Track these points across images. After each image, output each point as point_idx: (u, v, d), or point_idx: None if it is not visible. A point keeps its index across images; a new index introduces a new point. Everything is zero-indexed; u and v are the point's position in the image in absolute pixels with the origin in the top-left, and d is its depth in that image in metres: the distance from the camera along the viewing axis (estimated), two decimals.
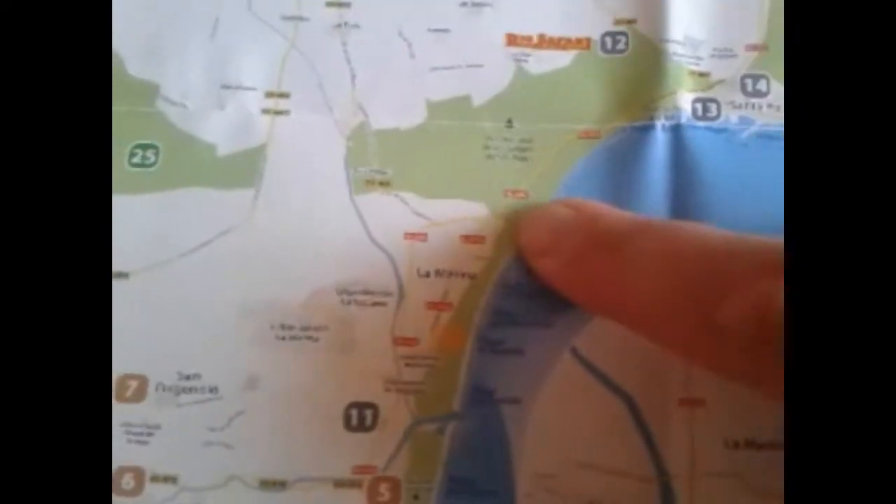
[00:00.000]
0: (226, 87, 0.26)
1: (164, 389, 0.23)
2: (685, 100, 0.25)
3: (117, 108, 0.26)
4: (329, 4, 0.27)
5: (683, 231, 0.20)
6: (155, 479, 0.23)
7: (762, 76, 0.26)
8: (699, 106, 0.25)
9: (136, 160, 0.25)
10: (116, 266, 0.24)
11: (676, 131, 0.25)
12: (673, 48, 0.26)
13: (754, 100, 0.25)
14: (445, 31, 0.26)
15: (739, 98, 0.25)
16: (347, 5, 0.27)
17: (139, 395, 0.23)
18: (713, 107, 0.25)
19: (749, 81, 0.26)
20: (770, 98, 0.25)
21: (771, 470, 0.22)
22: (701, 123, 0.25)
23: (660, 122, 0.25)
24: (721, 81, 0.26)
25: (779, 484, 0.21)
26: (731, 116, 0.25)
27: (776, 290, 0.17)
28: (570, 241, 0.22)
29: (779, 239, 0.18)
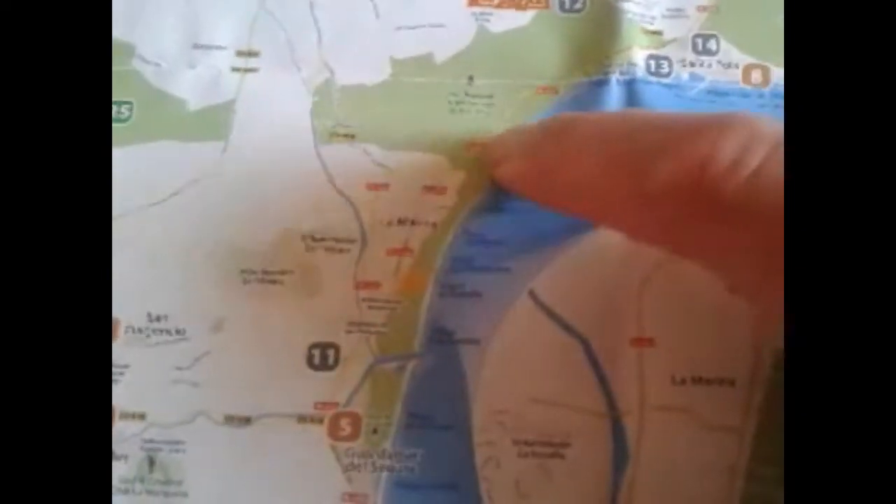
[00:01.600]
0: (198, 46, 0.27)
1: (133, 331, 0.24)
2: (639, 56, 0.26)
3: None
4: None
5: (618, 112, 0.22)
6: (124, 415, 0.23)
7: (712, 35, 0.27)
8: (652, 62, 0.26)
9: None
10: None
11: (630, 86, 0.26)
12: (628, 7, 0.27)
13: (704, 58, 0.26)
14: None
15: (690, 56, 0.26)
16: None
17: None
18: (665, 64, 0.26)
19: (700, 40, 0.27)
20: (719, 56, 0.26)
21: (716, 404, 0.23)
22: (654, 79, 0.26)
23: (615, 77, 0.26)
24: (673, 40, 0.27)
25: (721, 417, 0.22)
26: (682, 73, 0.26)
27: (718, 148, 0.17)
28: (524, 142, 0.23)
29: (703, 113, 0.19)
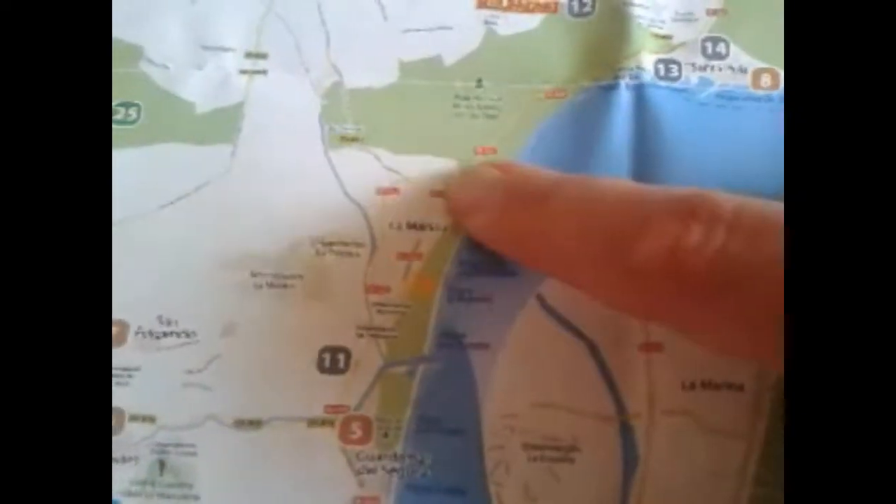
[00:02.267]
0: (206, 48, 0.27)
1: (144, 334, 0.24)
2: (648, 61, 0.26)
3: None
4: None
5: (600, 183, 0.22)
6: (134, 418, 0.23)
7: (721, 39, 0.27)
8: (661, 66, 0.26)
9: (118, 117, 0.26)
10: None
11: (639, 90, 0.26)
12: (637, 11, 0.27)
13: (713, 62, 0.26)
14: None
15: (700, 60, 0.26)
16: None
17: (120, 340, 0.24)
18: (675, 68, 0.26)
19: (709, 44, 0.27)
20: (729, 60, 0.26)
21: (724, 409, 0.23)
22: (663, 83, 0.26)
23: (624, 82, 0.26)
24: (682, 44, 0.27)
25: (730, 422, 0.23)
26: (691, 77, 0.26)
27: (685, 231, 0.19)
28: (496, 198, 0.23)
29: (689, 188, 0.20)
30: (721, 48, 0.27)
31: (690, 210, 0.19)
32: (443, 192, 0.25)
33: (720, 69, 0.26)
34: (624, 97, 0.26)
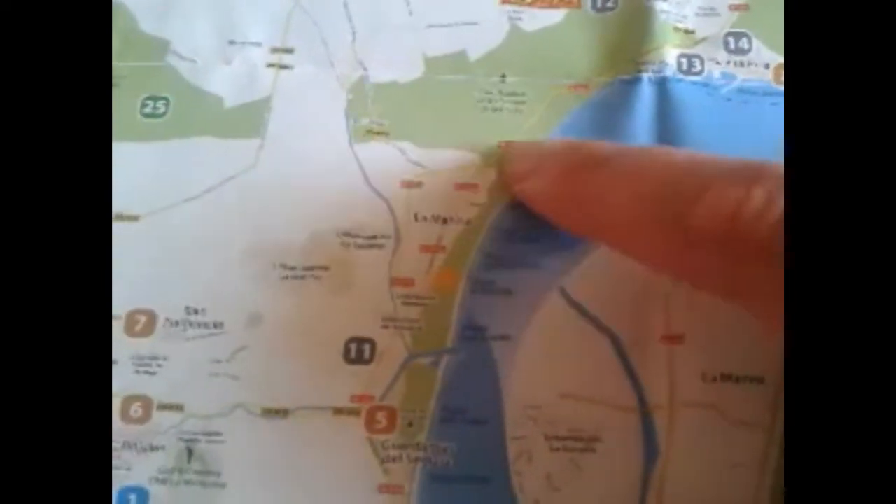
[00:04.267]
0: (233, 42, 0.27)
1: (171, 324, 0.24)
2: (671, 55, 0.26)
3: (131, 63, 0.27)
4: None
5: (658, 150, 0.22)
6: (162, 407, 0.24)
7: (744, 34, 0.27)
8: (684, 61, 0.26)
9: (147, 110, 0.26)
10: (127, 209, 0.25)
11: (662, 84, 0.26)
12: (660, 6, 0.27)
13: (736, 57, 0.27)
14: None
15: (722, 55, 0.27)
16: None
17: (148, 330, 0.24)
18: (697, 62, 0.26)
19: (731, 39, 0.27)
20: (751, 55, 0.27)
21: (744, 401, 0.23)
22: (686, 77, 0.26)
23: (646, 76, 0.26)
24: (705, 39, 0.27)
25: (750, 414, 0.23)
26: (714, 72, 0.26)
27: (746, 197, 0.18)
28: (553, 163, 0.23)
29: (744, 158, 0.19)
30: (744, 43, 0.27)
31: (754, 175, 0.18)
32: (499, 158, 0.25)
33: (743, 64, 0.27)
34: (647, 91, 0.26)
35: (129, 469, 0.23)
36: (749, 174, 0.19)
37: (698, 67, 0.26)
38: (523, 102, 0.26)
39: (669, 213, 0.20)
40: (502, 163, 0.25)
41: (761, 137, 0.25)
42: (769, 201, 0.18)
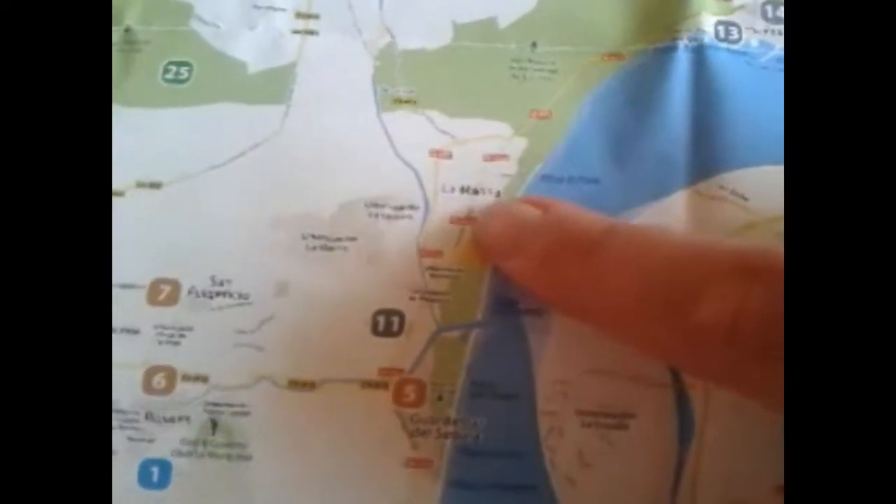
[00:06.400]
0: (257, 7, 0.27)
1: (197, 294, 0.24)
2: (708, 22, 0.26)
3: (153, 27, 0.26)
4: None
5: (653, 234, 0.21)
6: (187, 377, 0.23)
7: (782, 3, 0.26)
8: (721, 28, 0.26)
9: (169, 76, 0.26)
10: (149, 176, 0.25)
11: (699, 52, 0.25)
12: None
13: (774, 26, 0.26)
14: None
15: (760, 23, 0.26)
16: None
17: (172, 299, 0.24)
18: (734, 30, 0.26)
19: (769, 8, 0.26)
20: None
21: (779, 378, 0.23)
22: (723, 45, 0.25)
23: (682, 43, 0.25)
24: (742, 6, 0.26)
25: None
26: (751, 41, 0.26)
27: (746, 296, 0.18)
28: (538, 241, 0.22)
29: (748, 244, 0.19)
30: (781, 11, 0.26)
31: (751, 272, 0.18)
32: (474, 230, 0.24)
33: (780, 32, 0.26)
34: (682, 59, 0.25)
35: (151, 441, 0.23)
36: (747, 268, 0.18)
37: (735, 35, 0.26)
38: (555, 71, 0.26)
39: (670, 310, 0.19)
40: (478, 235, 0.24)
41: None
42: (767, 299, 0.18)
